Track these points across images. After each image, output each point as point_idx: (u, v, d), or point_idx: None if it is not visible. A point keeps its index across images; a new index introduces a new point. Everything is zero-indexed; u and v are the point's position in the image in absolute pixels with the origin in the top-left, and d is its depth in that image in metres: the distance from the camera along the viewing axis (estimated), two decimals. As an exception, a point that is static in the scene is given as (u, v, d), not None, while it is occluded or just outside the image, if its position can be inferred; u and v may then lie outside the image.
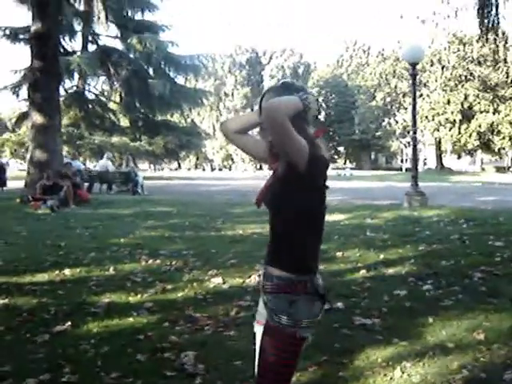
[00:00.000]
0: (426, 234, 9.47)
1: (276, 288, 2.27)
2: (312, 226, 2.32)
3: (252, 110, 73.02)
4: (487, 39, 13.62)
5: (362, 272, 6.64)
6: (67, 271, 6.88)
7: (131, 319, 4.95)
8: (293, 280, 2.25)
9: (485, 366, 3.80)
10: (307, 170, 2.17)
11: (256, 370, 2.40)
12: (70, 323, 4.78)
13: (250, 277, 6.35)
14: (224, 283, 6.24)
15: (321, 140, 2.34)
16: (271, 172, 2.44)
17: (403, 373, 3.69)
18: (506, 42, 16.73)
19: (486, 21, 12.23)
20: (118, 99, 39.24)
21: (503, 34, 14.34)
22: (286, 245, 2.29)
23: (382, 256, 7.57)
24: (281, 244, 2.32)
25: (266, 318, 2.31)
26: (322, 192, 2.32)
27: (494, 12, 11.97)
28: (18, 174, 34.92)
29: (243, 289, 5.94)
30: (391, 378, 3.63)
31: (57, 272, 6.83)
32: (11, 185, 23.37)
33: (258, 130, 2.52)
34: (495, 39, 14.10)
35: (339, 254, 7.78)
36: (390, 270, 6.73)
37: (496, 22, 12.16)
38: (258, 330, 2.43)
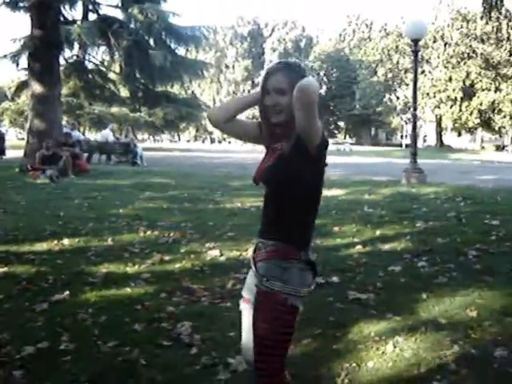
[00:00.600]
0: (422, 210, 9.51)
1: (268, 255, 2.30)
2: (312, 205, 2.36)
3: (253, 82, 71.94)
4: (490, 17, 13.57)
5: (358, 247, 6.70)
6: (66, 241, 6.92)
7: (129, 289, 5.01)
8: (286, 248, 2.28)
9: (476, 342, 3.86)
10: (317, 152, 2.22)
11: (242, 348, 2.46)
12: (68, 292, 4.84)
13: (246, 250, 6.39)
14: (221, 255, 6.29)
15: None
16: (268, 149, 2.45)
17: (395, 347, 3.75)
18: (510, 20, 16.64)
19: (489, -2, 12.17)
20: (118, 69, 38.91)
21: (507, 11, 14.24)
22: (286, 221, 2.31)
23: (378, 232, 7.63)
24: (278, 219, 2.34)
25: (254, 292, 2.34)
26: (324, 171, 2.36)
27: (498, -10, 11.90)
28: (17, 142, 34.86)
29: (240, 261, 5.98)
30: (383, 352, 3.68)
31: (55, 242, 6.88)
32: (10, 154, 23.38)
33: (255, 111, 2.51)
34: (498, 17, 14.05)
35: (336, 228, 7.83)
36: (386, 246, 6.79)
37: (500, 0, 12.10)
38: (245, 307, 2.46)
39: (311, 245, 2.38)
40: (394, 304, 4.61)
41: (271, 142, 2.41)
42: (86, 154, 21.05)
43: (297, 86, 2.09)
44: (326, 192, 11.28)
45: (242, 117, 2.53)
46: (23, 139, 23.39)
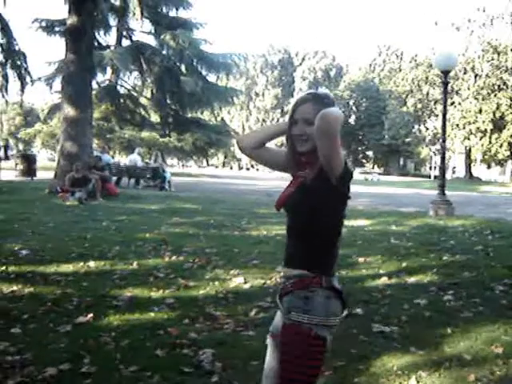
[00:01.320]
0: (450, 243, 9.41)
1: (291, 287, 2.30)
2: (333, 235, 2.35)
3: (282, 111, 72.51)
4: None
5: (384, 279, 6.64)
6: (92, 263, 6.99)
7: (152, 314, 5.03)
8: (307, 275, 2.27)
9: (501, 379, 3.80)
10: (339, 182, 2.23)
11: (263, 381, 2.45)
12: (92, 315, 4.87)
13: (271, 278, 6.40)
14: (245, 283, 6.29)
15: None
16: (294, 177, 2.48)
17: (418, 382, 3.70)
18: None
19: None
20: (149, 95, 39.53)
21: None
22: (305, 249, 2.32)
23: (404, 264, 7.56)
24: (300, 248, 2.35)
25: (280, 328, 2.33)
26: (346, 202, 2.37)
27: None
28: (48, 164, 35.34)
29: (264, 290, 5.97)
30: (406, 387, 3.65)
31: (81, 264, 6.94)
32: (41, 175, 23.68)
33: (283, 138, 2.53)
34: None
35: (361, 259, 7.77)
36: (412, 279, 6.72)
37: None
38: (270, 343, 2.46)
39: (336, 274, 2.37)
40: (418, 338, 4.56)
41: (297, 171, 2.42)
42: (115, 178, 21.25)
43: (318, 115, 2.11)
44: (352, 222, 11.27)
45: (271, 144, 2.57)
46: (54, 160, 23.71)
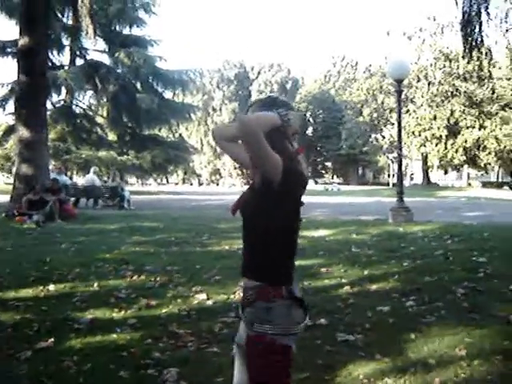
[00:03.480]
0: (410, 249, 9.52)
1: (252, 298, 2.29)
2: (284, 239, 2.34)
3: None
4: (472, 56, 13.76)
5: (346, 288, 6.67)
6: (51, 287, 6.86)
7: (114, 335, 4.95)
8: (267, 287, 2.27)
9: (466, 382, 3.83)
10: (282, 184, 2.20)
11: None
12: (52, 339, 4.76)
13: (234, 293, 6.36)
14: (208, 299, 6.24)
15: (302, 157, 2.38)
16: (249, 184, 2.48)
17: (384, 389, 3.72)
18: (491, 59, 16.87)
19: (469, 38, 12.38)
20: (105, 113, 39.21)
21: (488, 50, 14.48)
22: (259, 256, 2.32)
23: (366, 272, 7.61)
24: (254, 255, 2.35)
25: (244, 338, 2.32)
26: (296, 207, 2.35)
27: (477, 30, 12.12)
28: (4, 187, 34.72)
29: (227, 305, 5.94)
30: (372, 395, 3.65)
31: (41, 287, 6.81)
32: (-3, 199, 23.25)
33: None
34: (479, 56, 14.28)
35: (324, 269, 7.81)
36: (374, 286, 6.77)
37: (480, 39, 12.31)
38: (237, 353, 2.45)
39: (295, 282, 2.36)
40: (382, 345, 4.58)
41: (253, 173, 2.42)
42: (73, 199, 20.98)
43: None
44: (313, 232, 11.34)
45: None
46: (10, 184, 23.30)
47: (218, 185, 78.70)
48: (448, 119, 49.61)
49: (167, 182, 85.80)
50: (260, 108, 2.32)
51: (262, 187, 2.25)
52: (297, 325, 2.27)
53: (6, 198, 18.12)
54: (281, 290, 2.26)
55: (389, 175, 70.73)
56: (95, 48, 33.99)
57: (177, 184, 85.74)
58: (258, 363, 2.24)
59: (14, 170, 18.92)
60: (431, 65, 50.24)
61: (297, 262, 2.45)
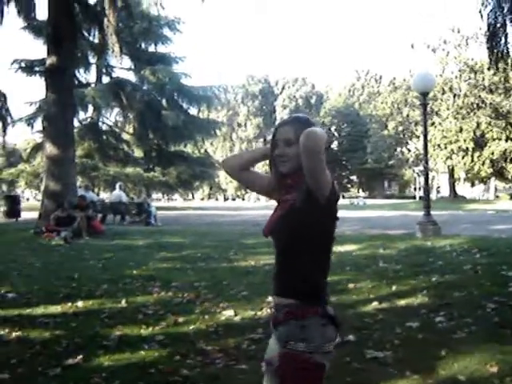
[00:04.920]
0: (438, 264, 9.41)
1: (285, 316, 2.27)
2: (321, 257, 2.34)
3: (264, 140, 72.97)
4: (497, 67, 13.69)
5: (375, 304, 6.62)
6: (80, 303, 6.90)
7: (142, 352, 4.95)
8: (303, 305, 2.26)
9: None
10: (327, 202, 2.23)
11: None
12: (81, 356, 4.78)
13: (261, 309, 6.34)
14: (235, 315, 6.23)
15: None
16: (279, 203, 2.46)
17: (415, 407, 3.67)
18: (517, 70, 16.76)
19: (495, 50, 12.31)
20: (131, 130, 39.64)
21: (513, 61, 14.39)
22: (299, 275, 2.30)
23: (394, 287, 7.54)
24: (289, 273, 2.33)
25: (276, 356, 2.30)
26: (335, 225, 2.36)
27: (503, 41, 12.05)
28: (33, 204, 35.12)
29: (255, 321, 5.92)
30: (403, 413, 3.61)
31: (69, 304, 6.85)
32: (25, 216, 23.54)
33: (267, 162, 2.54)
34: (505, 68, 14.19)
35: (351, 285, 7.74)
36: (403, 302, 6.70)
37: (506, 51, 12.24)
38: (267, 371, 2.43)
39: (328, 298, 2.35)
40: (412, 361, 4.52)
41: (282, 195, 2.41)
42: (100, 215, 21.14)
43: (302, 133, 2.13)
44: (339, 248, 11.26)
45: (256, 168, 2.58)
46: (39, 200, 23.59)
47: (243, 199, 78.76)
48: (474, 131, 49.11)
49: (193, 197, 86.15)
50: (296, 127, 2.31)
51: (307, 204, 2.25)
52: (330, 342, 2.26)
53: (35, 215, 18.33)
54: (316, 308, 2.26)
55: (415, 188, 70.24)
56: (121, 66, 34.46)
57: (202, 199, 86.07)
58: (291, 381, 2.23)
59: (41, 186, 19.14)
60: (456, 77, 49.89)
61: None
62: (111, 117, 40.36)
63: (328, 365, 2.25)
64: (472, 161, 50.78)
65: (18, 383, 4.29)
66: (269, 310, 5.95)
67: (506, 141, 48.38)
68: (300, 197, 2.28)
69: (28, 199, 67.87)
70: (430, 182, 16.55)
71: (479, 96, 48.35)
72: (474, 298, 6.76)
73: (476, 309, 6.19)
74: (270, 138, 2.51)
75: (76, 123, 30.37)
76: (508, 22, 12.02)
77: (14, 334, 5.55)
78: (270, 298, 6.47)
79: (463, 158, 51.06)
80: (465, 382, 4.06)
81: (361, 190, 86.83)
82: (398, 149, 67.14)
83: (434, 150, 50.70)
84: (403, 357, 4.67)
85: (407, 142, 64.23)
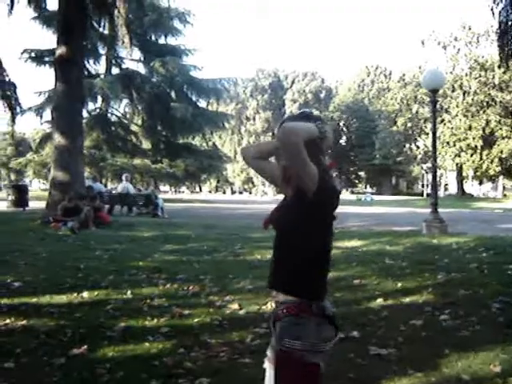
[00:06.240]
0: (444, 262, 9.39)
1: (282, 313, 2.29)
2: (316, 254, 2.32)
3: (273, 134, 73.04)
4: (508, 66, 13.61)
5: (379, 300, 6.61)
6: (85, 294, 6.92)
7: (147, 344, 4.97)
8: (297, 302, 2.26)
9: (500, 399, 3.76)
10: (316, 197, 2.20)
11: None
12: (86, 346, 4.80)
13: (266, 303, 6.34)
14: (240, 309, 6.24)
15: (332, 172, 2.38)
16: (283, 196, 2.48)
17: (417, 405, 3.67)
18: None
19: (506, 48, 12.25)
20: (140, 122, 39.71)
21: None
22: (289, 270, 2.31)
23: (399, 284, 7.53)
24: (284, 269, 2.34)
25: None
26: (329, 221, 2.34)
27: (514, 39, 11.98)
28: (40, 193, 35.21)
29: (259, 315, 5.91)
30: (405, 410, 3.61)
31: (75, 294, 6.88)
32: (33, 205, 23.61)
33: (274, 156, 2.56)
34: (516, 66, 14.11)
35: (357, 281, 7.74)
36: (408, 299, 6.70)
37: (516, 49, 12.17)
38: (267, 366, 2.44)
39: (326, 298, 2.35)
40: (415, 359, 4.52)
41: (285, 187, 2.43)
42: (107, 206, 21.18)
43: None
44: (346, 243, 11.26)
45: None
46: (46, 190, 23.66)
47: (250, 193, 78.81)
48: (483, 129, 48.96)
49: (200, 190, 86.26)
50: (295, 121, 2.32)
51: (296, 199, 2.26)
52: (326, 342, 2.24)
53: (42, 205, 18.38)
54: (311, 306, 2.25)
55: (423, 185, 70.17)
56: (131, 57, 34.48)
57: (210, 192, 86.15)
58: (284, 379, 2.23)
59: (49, 176, 19.16)
60: (466, 74, 49.72)
61: (329, 274, 2.44)
62: (120, 108, 40.46)
63: (323, 365, 2.25)
64: (480, 159, 50.65)
65: (23, 372, 4.31)
66: (273, 305, 5.94)
67: (515, 139, 48.20)
68: (290, 192, 2.31)
69: (39, 188, 68.09)
70: (437, 179, 16.48)
71: (489, 94, 48.18)
72: (479, 296, 6.74)
73: (481, 308, 6.18)
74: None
75: (85, 114, 30.43)
76: (520, 20, 11.96)
77: (19, 323, 5.58)
78: (274, 293, 6.47)
79: (472, 155, 50.93)
80: (468, 381, 4.05)
81: (368, 186, 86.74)
82: (407, 145, 67.00)
83: (443, 148, 50.60)
84: (407, 354, 4.67)
85: (416, 139, 64.09)
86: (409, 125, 61.99)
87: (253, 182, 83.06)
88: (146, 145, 41.84)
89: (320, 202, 2.23)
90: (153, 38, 37.32)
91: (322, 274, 2.36)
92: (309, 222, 2.26)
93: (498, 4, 12.01)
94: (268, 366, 2.45)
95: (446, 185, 73.64)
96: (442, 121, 50.27)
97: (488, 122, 48.71)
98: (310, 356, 2.19)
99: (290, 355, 2.20)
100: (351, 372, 4.24)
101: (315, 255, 2.31)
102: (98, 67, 36.73)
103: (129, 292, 7.05)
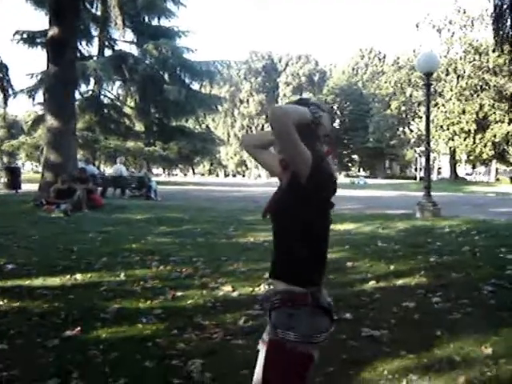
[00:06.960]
0: (437, 245, 9.43)
1: (278, 303, 2.26)
2: (313, 240, 2.29)
3: (267, 116, 72.84)
4: (502, 50, 13.59)
5: (372, 283, 6.64)
6: (78, 276, 6.93)
7: (140, 325, 4.98)
8: (293, 292, 2.23)
9: (491, 380, 3.78)
10: (310, 181, 2.16)
11: None
12: (79, 328, 4.81)
13: (259, 285, 6.35)
14: (233, 291, 6.25)
15: (330, 159, 2.35)
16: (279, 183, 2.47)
17: (409, 386, 3.69)
18: (522, 53, 16.62)
19: (501, 32, 12.23)
20: (133, 104, 39.51)
21: (519, 44, 14.26)
22: (286, 257, 2.29)
23: (392, 267, 7.56)
24: (281, 255, 2.32)
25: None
26: (325, 206, 2.31)
27: (509, 23, 11.96)
28: (32, 176, 35.11)
29: (252, 297, 5.91)
30: (397, 391, 3.63)
31: (68, 276, 6.88)
32: (25, 187, 23.53)
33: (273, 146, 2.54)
34: (510, 50, 14.08)
35: (349, 263, 7.77)
36: (400, 281, 6.73)
37: (511, 33, 12.14)
38: (261, 349, 2.44)
39: (322, 288, 2.33)
40: (407, 341, 4.55)
41: (282, 174, 2.40)
42: (100, 188, 21.13)
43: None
44: (338, 226, 11.29)
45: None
46: (39, 172, 23.58)
47: (243, 176, 78.80)
48: (477, 113, 48.99)
49: (193, 172, 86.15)
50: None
51: (291, 184, 2.23)
52: (320, 333, 2.22)
53: (35, 187, 18.33)
54: (306, 296, 2.22)
55: (416, 169, 70.30)
56: (124, 39, 34.26)
57: (203, 175, 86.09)
58: (277, 368, 2.23)
59: (42, 159, 19.08)
60: (460, 58, 49.66)
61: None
62: (113, 90, 40.21)
63: (316, 355, 2.25)
64: (474, 143, 50.75)
65: (17, 354, 4.31)
66: (266, 287, 5.98)
67: (509, 124, 48.30)
68: (285, 176, 2.29)
69: (31, 170, 67.85)
70: (431, 163, 16.51)
71: (483, 78, 48.16)
72: (471, 279, 6.78)
73: (473, 290, 6.21)
74: None
75: (77, 96, 30.23)
76: (515, 4, 11.93)
77: (12, 305, 5.59)
78: (267, 275, 6.49)
79: (465, 139, 51.01)
80: (459, 363, 4.08)
81: (362, 169, 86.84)
82: (400, 129, 67.00)
83: (436, 131, 50.65)
84: (399, 336, 4.70)
85: (409, 123, 64.07)
86: (402, 108, 61.98)
87: (246, 165, 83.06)
88: (139, 127, 41.70)
89: (314, 187, 2.19)
90: (146, 19, 37.03)
91: (318, 264, 2.33)
92: (303, 208, 2.23)
93: (493, -13, 11.98)
94: (262, 348, 2.45)
95: (440, 168, 73.82)
96: (436, 104, 50.24)
97: (482, 106, 48.74)
98: (302, 346, 2.18)
99: (283, 345, 2.19)
100: (344, 353, 4.26)
101: (309, 243, 2.27)
102: (90, 49, 36.48)
103: (122, 274, 7.06)
